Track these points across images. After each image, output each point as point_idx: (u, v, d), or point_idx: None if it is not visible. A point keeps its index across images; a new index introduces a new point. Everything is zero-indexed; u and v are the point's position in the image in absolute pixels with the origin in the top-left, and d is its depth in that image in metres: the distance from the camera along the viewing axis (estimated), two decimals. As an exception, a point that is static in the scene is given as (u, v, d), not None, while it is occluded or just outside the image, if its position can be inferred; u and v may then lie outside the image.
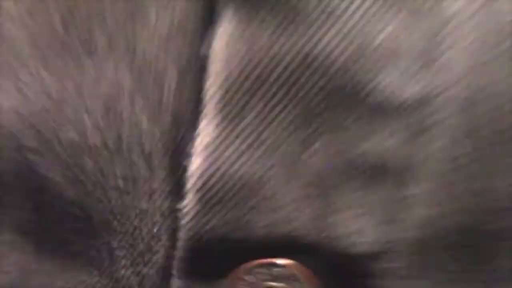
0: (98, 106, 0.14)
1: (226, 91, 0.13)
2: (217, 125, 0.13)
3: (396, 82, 0.13)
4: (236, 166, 0.13)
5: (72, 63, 0.14)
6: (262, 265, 0.12)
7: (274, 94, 0.13)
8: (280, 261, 0.12)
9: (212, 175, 0.13)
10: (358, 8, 0.13)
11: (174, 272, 0.14)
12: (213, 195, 0.13)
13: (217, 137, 0.13)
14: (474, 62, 0.13)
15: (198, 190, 0.13)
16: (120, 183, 0.14)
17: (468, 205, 0.13)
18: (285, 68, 0.13)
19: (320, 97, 0.13)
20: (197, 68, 0.14)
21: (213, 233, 0.13)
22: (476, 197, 0.13)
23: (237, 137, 0.13)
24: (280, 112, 0.13)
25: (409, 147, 0.13)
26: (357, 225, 0.12)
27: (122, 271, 0.15)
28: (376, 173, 0.13)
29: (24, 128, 0.14)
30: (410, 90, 0.13)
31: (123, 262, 0.15)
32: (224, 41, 0.13)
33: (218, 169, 0.13)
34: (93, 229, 0.15)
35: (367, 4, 0.13)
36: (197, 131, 0.13)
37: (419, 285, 0.13)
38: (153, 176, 0.14)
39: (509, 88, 0.13)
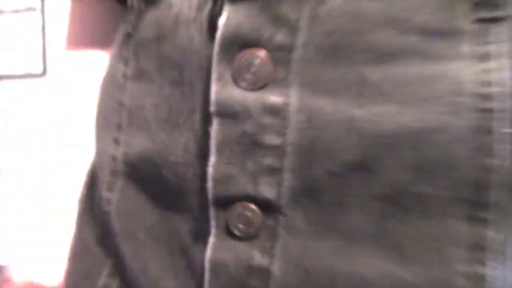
0: (180, 149, 0.29)
1: None
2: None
3: None
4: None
5: (173, 130, 0.29)
6: (240, 206, 0.27)
7: None
8: (248, 204, 0.27)
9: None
10: None
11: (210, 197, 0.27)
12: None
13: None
14: None
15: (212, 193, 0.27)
16: (192, 178, 0.29)
17: (309, 177, 0.26)
18: None
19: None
20: None
21: (217, 192, 0.27)
22: (308, 175, 0.26)
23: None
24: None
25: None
26: (272, 190, 0.26)
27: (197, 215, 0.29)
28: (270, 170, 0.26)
29: (156, 157, 0.30)
30: None
31: (196, 211, 0.29)
32: None
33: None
34: (183, 193, 0.29)
35: None
36: (210, 162, 0.27)
37: (300, 212, 0.26)
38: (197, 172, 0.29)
39: None
